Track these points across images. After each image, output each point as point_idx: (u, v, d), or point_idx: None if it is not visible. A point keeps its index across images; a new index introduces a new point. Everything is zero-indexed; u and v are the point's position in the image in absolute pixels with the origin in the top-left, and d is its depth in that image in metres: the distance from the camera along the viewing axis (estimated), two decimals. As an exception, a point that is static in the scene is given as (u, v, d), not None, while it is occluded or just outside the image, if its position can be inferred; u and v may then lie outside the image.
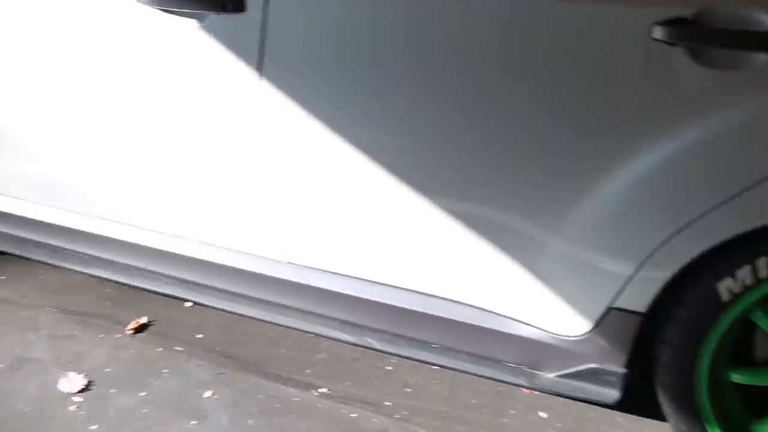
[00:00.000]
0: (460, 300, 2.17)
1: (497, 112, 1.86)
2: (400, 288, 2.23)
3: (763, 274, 1.77)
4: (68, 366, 2.65)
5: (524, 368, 2.19)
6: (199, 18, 2.08)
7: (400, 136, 1.99)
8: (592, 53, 1.74)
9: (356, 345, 2.41)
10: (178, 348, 2.74)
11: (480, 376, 2.26)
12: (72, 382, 2.57)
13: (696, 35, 1.64)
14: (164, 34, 2.13)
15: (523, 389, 2.48)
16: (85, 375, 2.61)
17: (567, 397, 2.26)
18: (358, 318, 2.34)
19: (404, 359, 2.53)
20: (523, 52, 1.80)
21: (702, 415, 2.01)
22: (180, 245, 2.52)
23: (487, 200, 1.97)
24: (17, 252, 2.84)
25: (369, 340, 2.35)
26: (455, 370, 2.30)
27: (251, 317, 2.54)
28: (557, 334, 2.07)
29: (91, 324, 2.87)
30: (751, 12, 1.60)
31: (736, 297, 1.83)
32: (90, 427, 2.39)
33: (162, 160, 2.32)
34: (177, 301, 2.85)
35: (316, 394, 2.53)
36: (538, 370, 2.17)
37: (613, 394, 2.07)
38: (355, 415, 2.43)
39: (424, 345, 2.29)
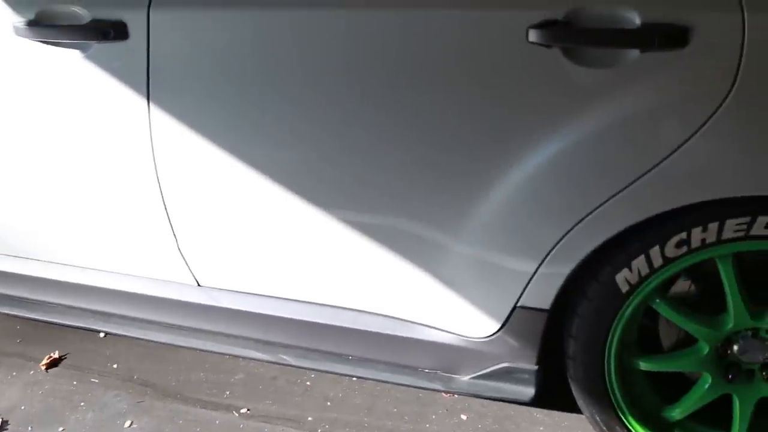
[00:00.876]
0: (369, 310, 2.17)
1: (388, 122, 1.86)
2: (309, 302, 2.22)
3: (657, 263, 1.80)
4: (-18, 407, 2.59)
5: (440, 373, 2.20)
6: (82, 48, 2.04)
7: (294, 151, 1.98)
8: (477, 59, 1.75)
9: (273, 363, 2.39)
10: (94, 380, 2.70)
11: (398, 384, 2.26)
12: (-13, 423, 2.51)
13: (569, 36, 1.67)
14: (48, 67, 2.09)
15: (443, 394, 2.49)
16: (0, 415, 2.54)
17: (485, 398, 2.28)
18: (271, 336, 2.33)
19: (323, 373, 2.53)
20: (409, 61, 1.80)
21: (615, 405, 2.04)
22: (87, 276, 2.48)
23: (385, 209, 1.97)
24: None
25: (284, 356, 2.34)
26: (373, 380, 2.30)
27: (166, 343, 2.50)
28: (467, 337, 2.09)
29: (1, 363, 2.81)
30: (619, 10, 1.62)
31: (634, 287, 1.86)
32: (7, 468, 2.34)
33: (61, 192, 2.28)
34: (89, 332, 2.80)
35: (237, 415, 2.51)
36: (453, 374, 2.18)
37: (528, 391, 2.09)
38: (277, 433, 2.42)
39: (340, 357, 2.28)
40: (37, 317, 2.65)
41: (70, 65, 2.06)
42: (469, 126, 1.80)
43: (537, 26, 1.66)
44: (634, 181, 1.71)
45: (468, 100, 1.78)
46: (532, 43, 1.67)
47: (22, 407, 2.60)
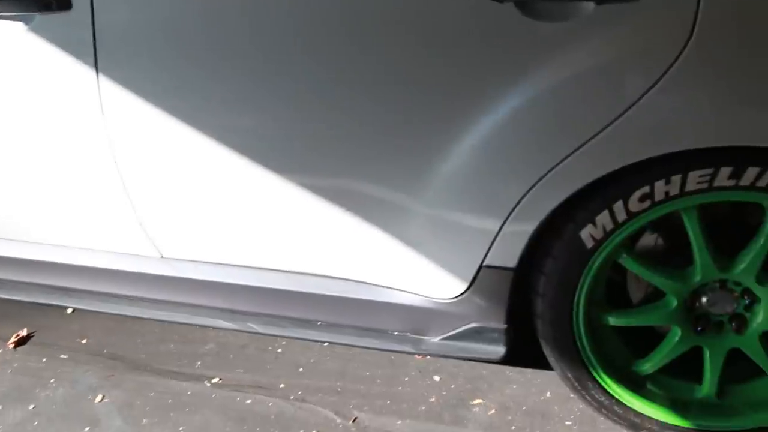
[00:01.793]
0: (334, 275, 2.14)
1: (343, 83, 1.82)
2: (274, 270, 2.19)
3: (621, 217, 1.78)
4: (-50, 388, 2.57)
5: (409, 335, 2.19)
6: (25, 20, 1.98)
7: (248, 117, 1.94)
8: (429, 17, 1.70)
9: (242, 331, 2.37)
10: (63, 356, 2.68)
11: (368, 348, 2.25)
12: (-44, 404, 2.48)
13: (523, -11, 1.63)
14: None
15: (415, 356, 2.48)
16: (-31, 396, 2.52)
17: (457, 358, 2.27)
18: (238, 305, 2.31)
19: (293, 340, 2.51)
20: (361, 22, 1.76)
21: (586, 361, 2.03)
22: (50, 253, 2.44)
23: (346, 172, 1.93)
24: None
25: (252, 325, 2.32)
26: (343, 344, 2.29)
27: (134, 316, 2.48)
28: (435, 298, 2.07)
29: (-32, 343, 2.78)
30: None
31: (599, 243, 1.84)
32: (-23, 449, 2.32)
33: (16, 169, 2.23)
34: (57, 309, 2.77)
35: (209, 385, 2.49)
36: (423, 336, 2.17)
37: (499, 350, 2.08)
38: (249, 401, 2.41)
39: (308, 323, 2.27)
40: (2, 296, 2.61)
41: (13, 38, 2.00)
42: (425, 86, 1.76)
43: (490, -20, 1.61)
44: (594, 136, 1.68)
45: (422, 61, 1.74)
46: (485, -3, 1.63)
47: (-8, 386, 2.57)
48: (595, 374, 2.05)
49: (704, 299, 1.92)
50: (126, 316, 2.50)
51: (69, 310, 2.86)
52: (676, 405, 2.06)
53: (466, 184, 1.84)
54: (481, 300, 2.01)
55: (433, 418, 2.29)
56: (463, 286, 2.00)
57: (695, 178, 1.70)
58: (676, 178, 1.71)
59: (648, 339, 2.06)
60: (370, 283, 2.13)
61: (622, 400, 2.06)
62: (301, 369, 2.51)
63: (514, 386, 2.37)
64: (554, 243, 1.88)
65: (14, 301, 2.64)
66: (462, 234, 1.92)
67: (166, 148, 2.02)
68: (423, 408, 2.32)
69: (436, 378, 2.43)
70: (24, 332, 2.80)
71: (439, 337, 2.14)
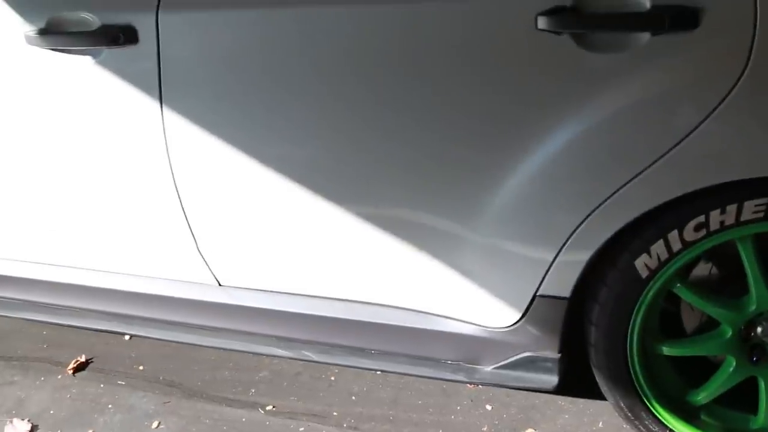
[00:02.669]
0: (390, 304, 2.17)
1: (400, 117, 1.85)
2: (329, 298, 2.23)
3: (676, 247, 1.79)
4: (11, 413, 2.62)
5: (463, 364, 2.20)
6: (94, 54, 2.05)
7: (308, 148, 1.98)
8: (486, 49, 1.74)
9: (296, 359, 2.41)
10: (121, 382, 2.72)
11: (421, 376, 2.27)
12: (17, 428, 2.54)
13: (579, 22, 1.65)
14: (61, 74, 2.10)
15: (468, 385, 2.49)
16: (29, 420, 2.58)
17: (509, 388, 2.28)
18: (293, 332, 2.34)
19: (346, 368, 2.53)
20: (418, 55, 1.80)
21: (639, 390, 2.04)
22: (110, 280, 2.49)
23: (402, 202, 1.97)
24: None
25: (307, 353, 2.35)
26: (397, 373, 2.31)
27: (190, 344, 2.52)
28: (489, 327, 2.08)
29: (30, 368, 2.84)
30: (627, -5, 1.61)
31: (654, 272, 1.85)
32: (38, 472, 2.36)
33: (81, 198, 2.30)
34: (115, 335, 2.82)
35: (263, 412, 2.52)
36: (476, 365, 2.18)
37: (552, 379, 2.09)
38: (302, 429, 2.43)
39: (363, 352, 2.29)
40: (62, 322, 2.68)
41: (82, 72, 2.07)
42: (482, 117, 1.80)
43: (546, 13, 1.64)
44: (650, 166, 1.70)
45: (479, 91, 1.78)
46: (542, 30, 1.66)
47: (51, 411, 2.62)
48: (648, 404, 2.04)
49: (759, 329, 1.91)
50: (182, 343, 2.54)
51: (127, 337, 2.91)
52: (730, 436, 2.06)
53: (521, 214, 1.86)
54: (535, 329, 2.02)
55: (485, 447, 2.30)
56: (517, 315, 2.02)
57: (751, 208, 1.71)
58: (732, 208, 1.72)
59: (703, 369, 2.05)
60: (425, 312, 2.15)
61: (675, 430, 2.05)
62: (353, 397, 2.53)
63: (566, 416, 2.37)
64: (609, 272, 1.89)
65: (74, 328, 2.70)
66: (516, 263, 1.94)
67: (226, 178, 2.07)
68: (475, 437, 2.34)
69: (489, 407, 2.43)
70: (83, 358, 2.84)
71: (492, 366, 2.15)
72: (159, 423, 2.51)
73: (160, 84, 2.00)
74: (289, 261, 2.19)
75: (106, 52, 2.03)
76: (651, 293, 1.89)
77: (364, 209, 2.00)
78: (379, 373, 2.56)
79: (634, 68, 1.64)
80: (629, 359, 1.99)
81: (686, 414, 2.06)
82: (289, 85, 1.91)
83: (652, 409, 2.04)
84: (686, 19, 1.58)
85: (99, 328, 2.63)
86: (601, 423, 2.33)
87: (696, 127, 1.63)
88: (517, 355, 2.10)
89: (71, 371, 2.80)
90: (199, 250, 2.24)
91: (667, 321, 2.03)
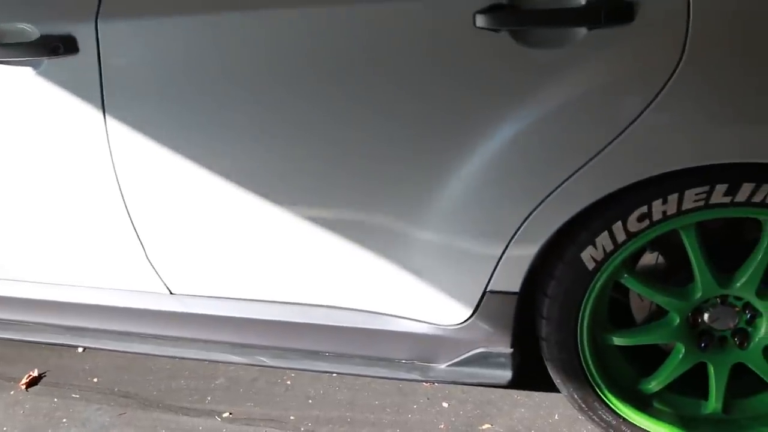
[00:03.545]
0: (341, 305, 2.17)
1: (344, 117, 1.85)
2: (281, 302, 2.22)
3: (620, 238, 1.81)
4: (-37, 432, 2.58)
5: (417, 363, 2.20)
6: (34, 65, 2.03)
7: (254, 152, 1.97)
8: (425, 48, 1.75)
9: (251, 365, 2.40)
10: (75, 395, 2.69)
11: (377, 377, 2.27)
12: (-30, 447, 2.50)
13: (516, 19, 1.67)
14: (1, 86, 2.08)
15: (424, 383, 2.50)
16: (-18, 437, 2.54)
17: (465, 384, 2.28)
18: (246, 338, 2.33)
19: (302, 372, 2.53)
20: (361, 54, 1.80)
21: (591, 381, 2.06)
22: (59, 292, 2.46)
23: (348, 203, 1.97)
24: None
25: (262, 358, 2.34)
26: (352, 374, 2.31)
27: (144, 353, 2.50)
28: (441, 325, 2.09)
29: (-19, 385, 2.80)
30: (562, -11, 1.63)
31: (600, 264, 1.87)
32: (-9, 491, 2.33)
33: (25, 210, 2.27)
34: (67, 348, 2.79)
35: (220, 419, 2.51)
36: (430, 363, 2.19)
37: (506, 374, 2.10)
38: (260, 434, 2.43)
39: (317, 355, 2.29)
40: (12, 337, 2.64)
41: (23, 83, 2.04)
42: (425, 116, 1.80)
43: (484, 11, 1.66)
44: (591, 159, 1.72)
45: (420, 90, 1.78)
46: (480, 28, 1.67)
47: (4, 428, 2.58)
48: (601, 394, 2.07)
49: (706, 315, 1.95)
50: (137, 354, 2.52)
51: (80, 350, 2.88)
52: (683, 422, 2.09)
53: (468, 211, 1.87)
54: (487, 325, 2.04)
55: (443, 445, 2.31)
56: (468, 312, 2.03)
57: (692, 197, 1.73)
58: (673, 197, 1.74)
59: (653, 357, 2.08)
60: (377, 313, 2.16)
61: (629, 419, 2.08)
62: (310, 400, 2.53)
63: (523, 410, 2.39)
64: (557, 266, 1.91)
65: (25, 342, 2.66)
66: (465, 260, 1.95)
67: (173, 186, 2.05)
68: (433, 435, 2.35)
69: (445, 404, 2.45)
70: (35, 373, 2.81)
71: (447, 364, 2.16)
72: (115, 435, 2.50)
73: (102, 93, 1.98)
74: (239, 267, 2.18)
75: (47, 62, 2.00)
76: (599, 285, 1.91)
77: (311, 212, 2.00)
78: (335, 375, 2.56)
79: (572, 63, 1.66)
80: (581, 351, 2.02)
81: (639, 402, 2.09)
82: (235, 90, 1.90)
83: (605, 399, 2.06)
84: (622, 13, 1.60)
85: (51, 341, 2.59)
86: (556, 415, 2.35)
87: (635, 120, 1.66)
88: (470, 351, 2.11)
89: (24, 386, 2.76)
90: (148, 259, 2.23)
91: (617, 312, 2.05)
